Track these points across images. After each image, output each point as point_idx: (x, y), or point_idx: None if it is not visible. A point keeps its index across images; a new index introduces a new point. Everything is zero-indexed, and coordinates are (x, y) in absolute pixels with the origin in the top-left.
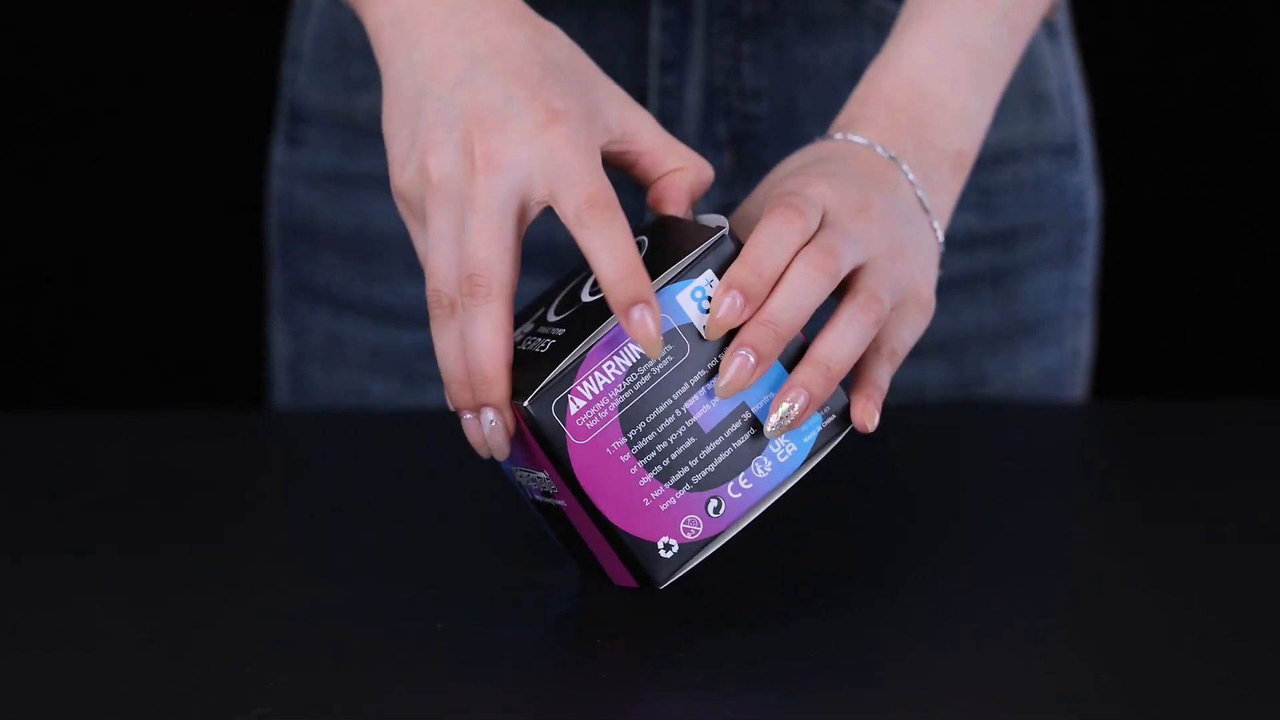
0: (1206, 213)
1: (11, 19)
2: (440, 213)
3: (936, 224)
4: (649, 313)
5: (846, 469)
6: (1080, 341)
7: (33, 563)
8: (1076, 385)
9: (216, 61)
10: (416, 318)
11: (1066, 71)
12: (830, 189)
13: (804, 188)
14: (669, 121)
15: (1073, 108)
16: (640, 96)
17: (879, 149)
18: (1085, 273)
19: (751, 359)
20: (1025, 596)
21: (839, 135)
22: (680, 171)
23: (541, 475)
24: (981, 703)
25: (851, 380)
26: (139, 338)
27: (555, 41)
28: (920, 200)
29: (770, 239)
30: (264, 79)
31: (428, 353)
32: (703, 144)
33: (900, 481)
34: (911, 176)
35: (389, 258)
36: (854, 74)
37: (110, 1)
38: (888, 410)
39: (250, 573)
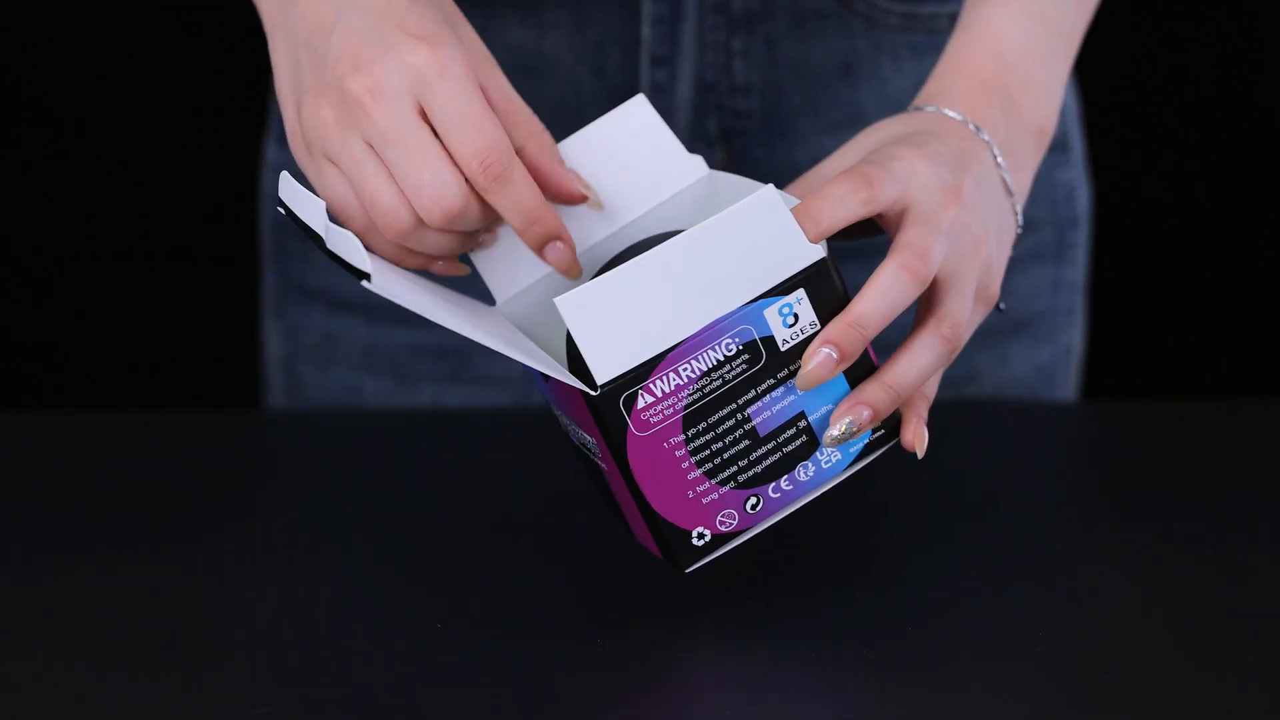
0: (1198, 210)
1: (4, 18)
2: (348, 146)
3: (1019, 206)
4: (562, 245)
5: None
6: (1072, 338)
7: (31, 563)
8: (1068, 381)
9: (209, 60)
10: (409, 316)
11: None
12: (927, 168)
13: (897, 162)
14: (661, 116)
15: (1064, 104)
16: (632, 91)
17: (972, 126)
18: (1077, 269)
19: (835, 355)
20: (1019, 594)
21: (930, 107)
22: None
23: (589, 439)
24: (976, 699)
25: None
26: (133, 337)
27: None
28: (1005, 182)
29: (879, 295)
30: (256, 77)
31: (420, 351)
32: (694, 139)
33: (894, 481)
34: (1000, 158)
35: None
36: (845, 70)
37: (102, 1)
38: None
39: (250, 572)
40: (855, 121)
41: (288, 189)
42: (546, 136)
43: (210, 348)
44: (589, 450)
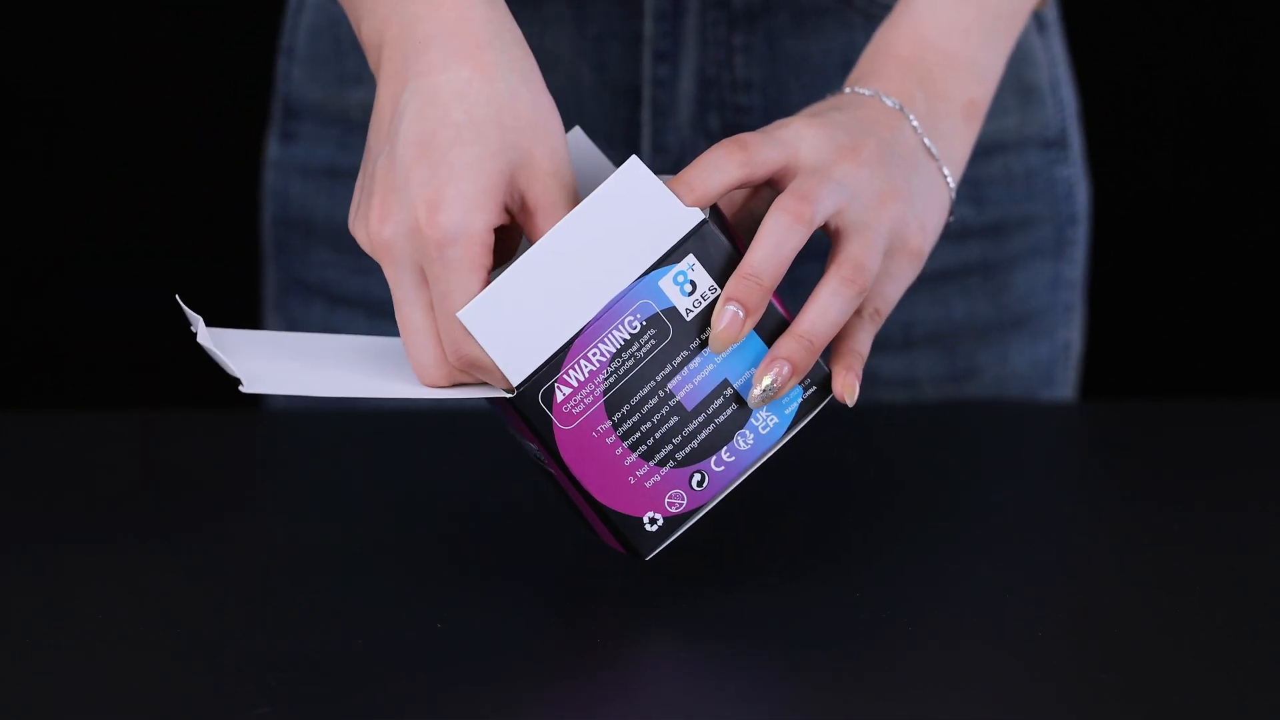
0: (1197, 207)
1: (3, 17)
2: (395, 275)
3: (947, 170)
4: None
5: (839, 467)
6: (1071, 334)
7: (31, 562)
8: (1067, 378)
9: (211, 57)
10: None
11: (1056, 64)
12: (818, 133)
13: (783, 130)
14: (663, 112)
15: (1062, 101)
16: (634, 88)
17: (885, 99)
18: (1076, 265)
19: (740, 313)
20: (1016, 593)
21: (849, 89)
22: None
23: (532, 447)
24: (974, 698)
25: (832, 348)
26: (133, 335)
27: (505, 86)
28: (927, 147)
29: (768, 243)
30: (258, 74)
31: None
32: (695, 135)
33: (893, 480)
34: (915, 124)
35: None
36: (845, 66)
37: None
38: (880, 408)
39: (250, 571)
40: None
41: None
42: None
43: None
44: (540, 461)
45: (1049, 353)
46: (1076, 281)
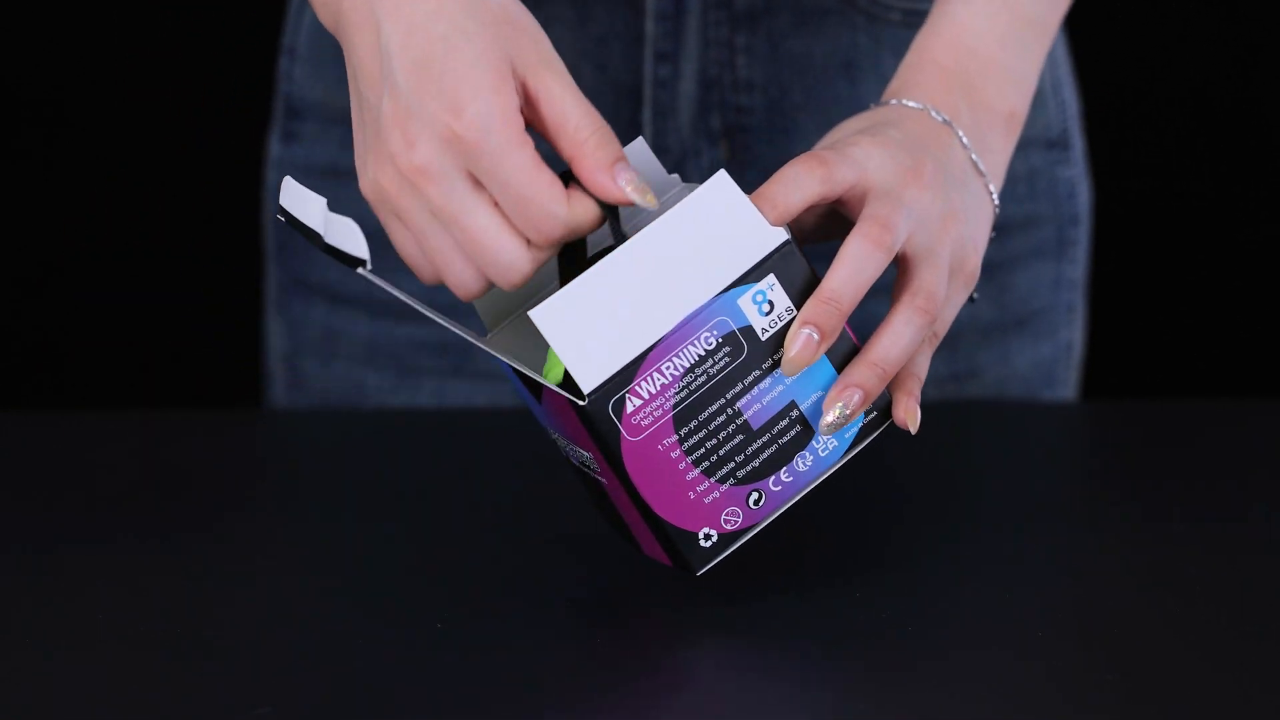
0: (1199, 207)
1: (5, 16)
2: (413, 215)
3: (992, 186)
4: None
5: (840, 468)
6: (1073, 335)
7: (32, 562)
8: (1069, 378)
9: (213, 57)
10: (411, 311)
11: (1057, 66)
12: (883, 153)
13: (854, 148)
14: (664, 113)
15: (1064, 102)
16: (635, 88)
17: (933, 113)
18: (1077, 266)
19: (815, 336)
20: (1018, 593)
21: (893, 101)
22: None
23: (585, 455)
24: (975, 698)
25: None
26: (135, 335)
27: None
28: (975, 163)
29: (848, 268)
30: (260, 74)
31: (422, 346)
32: (697, 135)
33: (894, 481)
34: (965, 140)
35: (384, 252)
36: (847, 66)
37: None
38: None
39: (250, 571)
40: None
41: (289, 192)
42: (592, 144)
43: (213, 344)
44: (588, 468)
45: (1051, 353)
46: (1078, 282)
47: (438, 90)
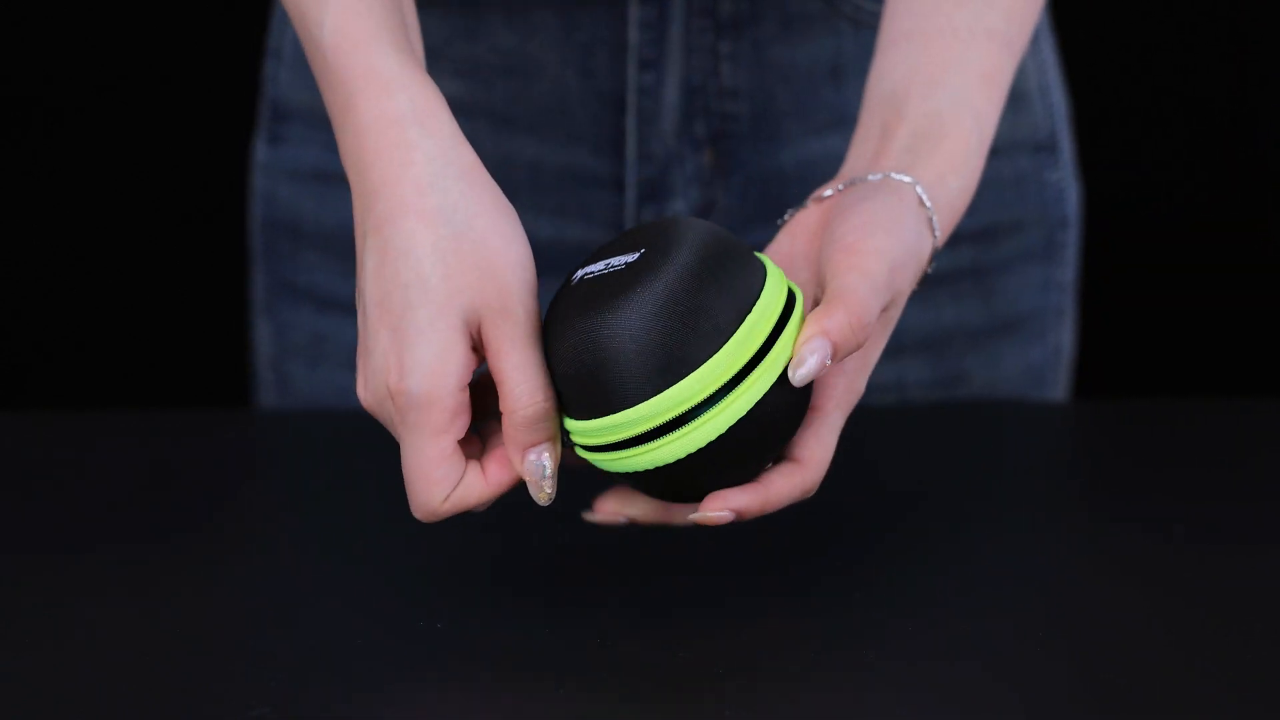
0: (1189, 210)
1: None
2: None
3: (937, 225)
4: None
5: (831, 470)
6: (1062, 338)
7: (26, 563)
8: (1059, 382)
9: (198, 60)
10: None
11: (1045, 69)
12: (906, 284)
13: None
14: (649, 120)
15: (1051, 105)
16: (619, 95)
17: (921, 195)
18: (1067, 269)
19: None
20: (1009, 596)
21: (906, 179)
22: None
23: None
24: (967, 701)
25: None
26: (124, 337)
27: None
28: (930, 223)
29: (786, 498)
30: (246, 77)
31: None
32: (681, 142)
33: (883, 482)
34: (933, 217)
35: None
36: (832, 72)
37: (90, 1)
38: (872, 410)
39: (249, 571)
40: (842, 123)
41: None
42: (517, 418)
43: (202, 347)
44: None
45: (1040, 357)
46: (1068, 285)
47: (389, 343)
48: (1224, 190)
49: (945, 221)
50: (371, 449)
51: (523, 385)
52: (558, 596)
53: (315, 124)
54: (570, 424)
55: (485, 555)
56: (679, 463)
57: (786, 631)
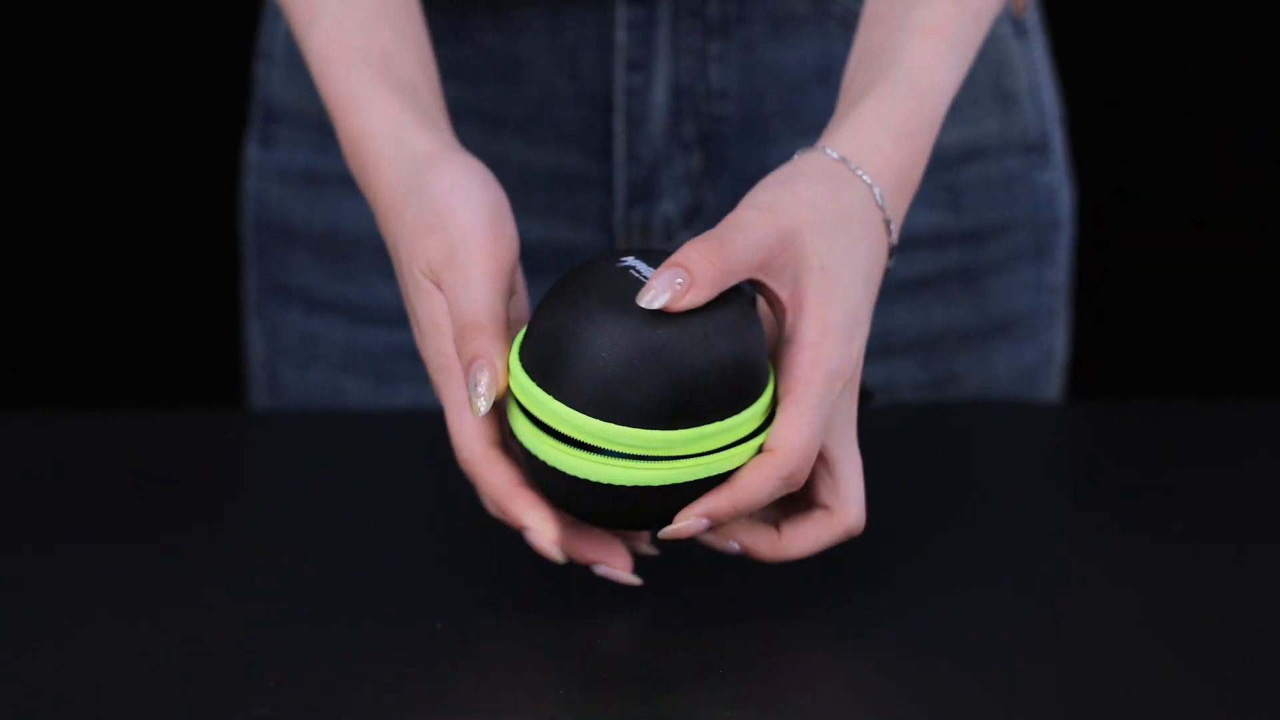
0: (1182, 210)
1: None
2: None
3: (893, 228)
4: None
5: None
6: (1055, 340)
7: (23, 564)
8: (1051, 383)
9: (189, 61)
10: (388, 317)
11: (1036, 70)
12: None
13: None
14: (637, 121)
15: (1042, 106)
16: (607, 97)
17: (876, 193)
18: (1059, 270)
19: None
20: (1003, 597)
21: (857, 170)
22: None
23: None
24: (962, 703)
25: None
26: (116, 338)
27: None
28: (888, 227)
29: (759, 491)
30: (237, 79)
31: (399, 352)
32: (670, 144)
33: (876, 484)
34: (887, 213)
35: (361, 257)
36: (821, 73)
37: (82, 2)
38: (862, 412)
39: (248, 572)
40: None
41: None
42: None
43: (194, 348)
44: None
45: (1033, 358)
46: (1060, 286)
47: (411, 285)
48: (1218, 190)
49: (895, 199)
50: (364, 449)
51: (459, 303)
52: (557, 596)
53: (306, 125)
54: (567, 412)
55: (486, 555)
56: (666, 486)
57: (785, 632)
